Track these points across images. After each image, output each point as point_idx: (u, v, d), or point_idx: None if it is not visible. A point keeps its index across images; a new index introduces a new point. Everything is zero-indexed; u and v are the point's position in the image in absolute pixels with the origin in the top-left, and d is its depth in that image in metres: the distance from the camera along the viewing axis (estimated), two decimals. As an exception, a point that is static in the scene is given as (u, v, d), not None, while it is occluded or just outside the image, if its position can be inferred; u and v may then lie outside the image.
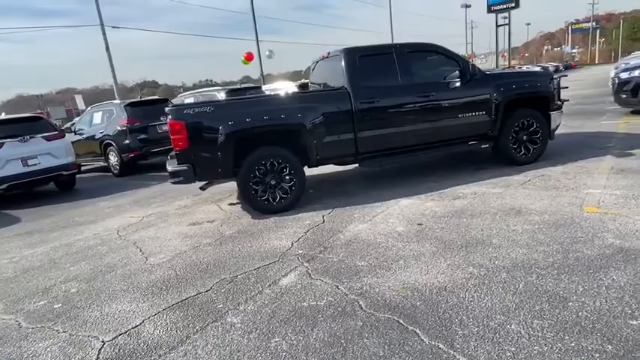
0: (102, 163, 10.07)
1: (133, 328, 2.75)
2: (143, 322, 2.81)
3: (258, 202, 4.89)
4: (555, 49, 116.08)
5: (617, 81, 9.16)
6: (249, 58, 20.68)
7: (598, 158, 5.73)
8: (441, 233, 3.74)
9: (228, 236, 4.36)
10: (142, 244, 4.42)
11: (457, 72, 5.46)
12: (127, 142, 9.01)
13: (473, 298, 2.62)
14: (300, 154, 4.98)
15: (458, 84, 5.44)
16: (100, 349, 2.54)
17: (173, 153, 5.37)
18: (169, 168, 4.79)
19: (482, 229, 3.73)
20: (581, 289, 2.58)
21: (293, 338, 2.42)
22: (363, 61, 5.25)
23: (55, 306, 3.20)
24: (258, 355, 2.31)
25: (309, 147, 4.98)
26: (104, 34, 20.66)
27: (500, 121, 5.64)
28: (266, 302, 2.87)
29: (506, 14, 44.63)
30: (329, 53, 5.77)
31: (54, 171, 7.76)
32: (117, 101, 9.88)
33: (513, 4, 43.85)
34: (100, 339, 2.65)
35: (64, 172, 7.95)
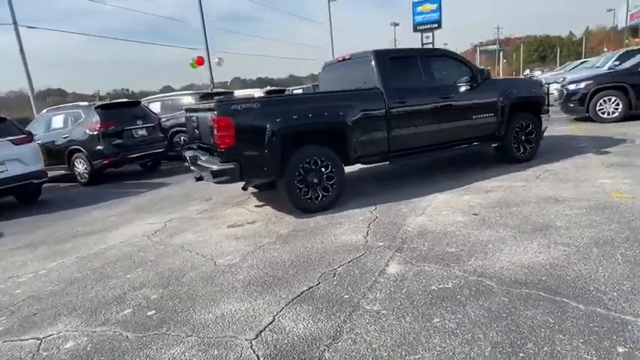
0: (63, 172, 9.11)
1: (269, 324, 2.61)
2: (275, 318, 2.68)
3: (302, 201, 4.83)
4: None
5: (565, 92, 10.38)
6: (199, 62, 20.05)
7: (582, 156, 6.48)
8: (504, 220, 4.01)
9: (287, 235, 4.25)
10: (194, 248, 4.15)
11: (470, 76, 5.88)
12: (99, 147, 8.28)
13: (588, 270, 2.87)
14: (340, 153, 5.01)
15: (471, 87, 5.86)
16: (252, 347, 2.38)
17: (191, 153, 5.15)
18: (214, 167, 4.54)
19: (537, 215, 4.06)
20: (676, 256, 2.95)
21: (453, 317, 2.48)
22: (392, 62, 5.45)
23: (149, 313, 2.91)
24: (430, 334, 2.33)
25: (349, 145, 5.03)
26: (18, 34, 18.52)
27: (506, 123, 6.15)
28: (392, 289, 2.88)
29: (430, 34, 48.28)
30: (351, 55, 5.89)
31: (23, 179, 6.90)
32: (84, 103, 9.03)
33: (436, 26, 47.64)
34: (242, 338, 2.48)
35: (35, 181, 7.11)
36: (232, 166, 4.49)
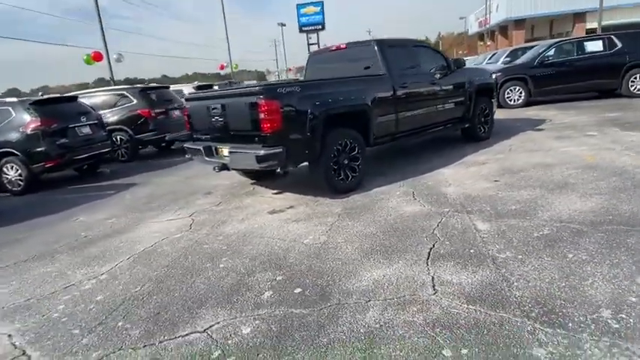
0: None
1: (433, 280, 2.80)
2: (432, 275, 2.87)
3: (335, 182, 4.96)
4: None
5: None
6: (96, 58, 17.97)
7: (525, 133, 7.70)
8: (526, 183, 4.70)
9: (346, 212, 4.38)
10: (260, 234, 4.03)
11: (445, 65, 6.61)
12: (40, 148, 7.11)
13: (634, 207, 3.63)
14: (363, 135, 5.26)
15: (446, 75, 6.58)
16: (439, 300, 2.56)
17: (202, 144, 4.96)
18: (260, 152, 4.40)
19: (547, 177, 4.83)
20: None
21: (579, 252, 2.97)
22: (390, 50, 5.86)
23: (295, 291, 2.86)
24: (579, 265, 2.79)
25: (369, 127, 5.30)
26: None
27: (473, 106, 7.04)
28: (504, 241, 3.27)
29: (314, 35, 50.10)
30: (347, 45, 6.13)
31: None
32: (12, 99, 7.61)
33: (320, 27, 49.69)
34: (422, 294, 2.64)
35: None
36: (280, 150, 4.43)
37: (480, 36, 56.93)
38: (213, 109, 4.96)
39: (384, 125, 5.55)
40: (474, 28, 56.77)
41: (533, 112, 10.29)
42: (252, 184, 6.13)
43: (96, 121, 8.13)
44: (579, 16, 36.75)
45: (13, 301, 3.17)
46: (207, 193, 5.93)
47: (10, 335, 2.69)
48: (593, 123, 7.96)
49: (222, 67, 36.91)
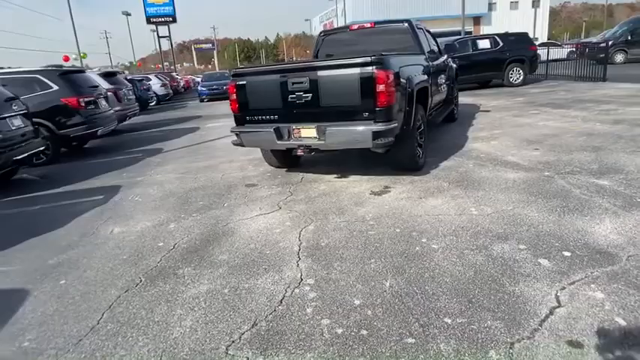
0: None
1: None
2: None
3: (416, 159, 4.89)
4: (187, 64, 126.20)
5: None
6: None
7: (487, 115, 8.79)
8: (566, 148, 5.45)
9: (458, 185, 4.38)
10: (418, 211, 3.74)
11: (437, 48, 7.06)
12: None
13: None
14: (424, 111, 5.30)
15: (439, 57, 7.04)
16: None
17: (270, 127, 4.46)
18: (376, 127, 4.02)
19: (578, 141, 5.69)
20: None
21: None
22: (418, 30, 6.00)
23: (563, 254, 2.84)
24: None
25: (427, 104, 5.37)
26: None
27: (453, 88, 7.70)
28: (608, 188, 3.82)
29: (166, 27, 46.26)
30: (373, 24, 6.03)
31: None
32: None
33: (171, 19, 46.23)
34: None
35: None
36: (395, 124, 4.17)
37: (326, 36, 60.99)
38: (294, 83, 4.32)
39: (432, 103, 5.67)
40: (318, 30, 60.47)
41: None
42: (288, 172, 5.53)
43: (25, 110, 6.12)
44: (411, 23, 42.74)
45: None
46: (249, 185, 5.13)
47: None
48: (521, 105, 9.53)
49: (66, 59, 31.13)
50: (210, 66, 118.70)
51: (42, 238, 3.99)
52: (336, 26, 48.29)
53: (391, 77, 4.03)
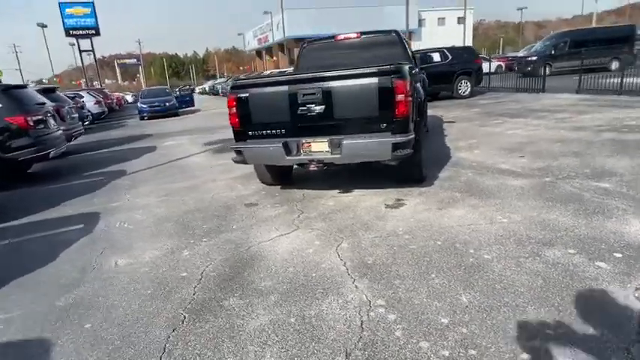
0: None
1: None
2: None
3: (422, 170, 4.90)
4: (109, 80, 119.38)
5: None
6: None
7: (452, 126, 9.12)
8: (546, 155, 5.77)
9: (470, 194, 4.43)
10: (447, 222, 3.70)
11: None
12: None
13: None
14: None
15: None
16: None
17: (279, 141, 4.31)
18: (396, 139, 3.94)
19: (552, 147, 6.05)
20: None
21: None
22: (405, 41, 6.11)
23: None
24: None
25: (423, 114, 5.43)
26: None
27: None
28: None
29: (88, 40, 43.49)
30: (360, 34, 6.02)
31: None
32: None
33: (93, 32, 43.61)
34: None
35: None
36: (413, 135, 4.13)
37: (258, 53, 60.90)
38: (304, 95, 4.13)
39: (425, 111, 5.74)
40: (252, 45, 60.08)
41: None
42: (283, 189, 5.27)
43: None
44: (348, 40, 44.08)
45: None
46: (249, 204, 4.80)
47: None
48: (480, 116, 10.06)
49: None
50: (135, 82, 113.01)
51: (32, 276, 3.39)
52: (271, 41, 48.62)
53: (409, 87, 4.00)
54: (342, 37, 6.12)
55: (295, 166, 4.88)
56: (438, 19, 49.52)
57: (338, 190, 4.94)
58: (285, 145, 4.27)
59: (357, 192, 4.85)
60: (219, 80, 45.76)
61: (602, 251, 2.96)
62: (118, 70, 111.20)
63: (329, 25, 41.17)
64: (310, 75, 4.16)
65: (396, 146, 3.99)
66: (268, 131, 4.38)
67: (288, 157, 4.29)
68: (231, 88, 4.40)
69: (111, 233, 4.30)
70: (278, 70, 27.98)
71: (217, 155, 8.18)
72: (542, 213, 3.74)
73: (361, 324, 2.37)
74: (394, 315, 2.42)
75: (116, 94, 43.56)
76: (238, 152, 4.49)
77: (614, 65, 17.66)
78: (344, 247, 3.42)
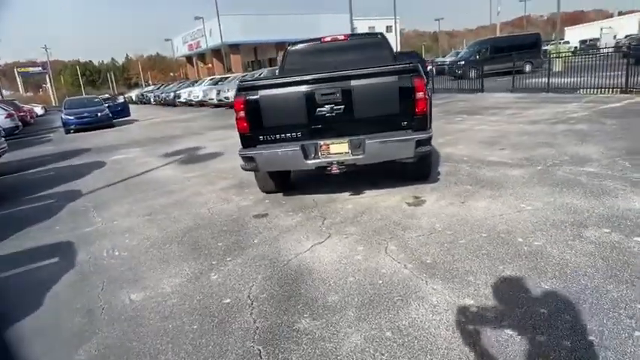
0: None
1: None
2: None
3: (431, 166, 5.00)
4: (7, 91, 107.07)
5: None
6: None
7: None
8: (524, 147, 6.17)
9: (473, 190, 4.58)
10: (480, 215, 3.76)
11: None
12: None
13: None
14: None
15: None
16: None
17: (295, 144, 4.15)
18: (418, 136, 3.95)
19: (524, 140, 6.48)
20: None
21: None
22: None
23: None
24: None
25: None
26: None
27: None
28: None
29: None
30: (348, 36, 5.99)
31: None
32: None
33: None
34: None
35: None
36: (431, 132, 4.18)
37: (189, 59, 58.58)
38: (323, 95, 3.98)
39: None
40: (182, 51, 57.53)
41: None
42: (287, 196, 5.03)
43: None
44: (280, 45, 43.83)
45: None
46: (258, 215, 4.50)
47: None
48: (441, 115, 10.46)
49: None
50: (41, 92, 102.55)
51: (26, 328, 2.82)
52: (204, 47, 46.83)
53: (425, 85, 4.01)
54: (329, 38, 6.02)
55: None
56: (369, 27, 51.23)
57: (349, 193, 4.83)
58: (303, 149, 4.08)
59: (369, 193, 4.77)
60: (149, 88, 43.16)
61: (631, 227, 3.20)
62: (19, 80, 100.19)
63: (265, 32, 40.92)
64: (330, 74, 4.02)
65: (419, 143, 4.00)
66: (282, 135, 4.15)
67: (307, 161, 4.10)
68: (239, 90, 4.11)
69: (101, 264, 3.76)
70: (220, 76, 27.00)
71: (187, 167, 7.64)
72: (558, 198, 3.96)
73: (465, 326, 2.30)
74: (492, 313, 2.38)
75: (27, 106, 39.25)
76: (249, 159, 4.21)
77: (527, 68, 19.51)
78: (392, 249, 3.33)
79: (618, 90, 10.15)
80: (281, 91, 4.06)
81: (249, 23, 40.70)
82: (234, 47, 41.99)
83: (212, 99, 22.84)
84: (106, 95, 41.68)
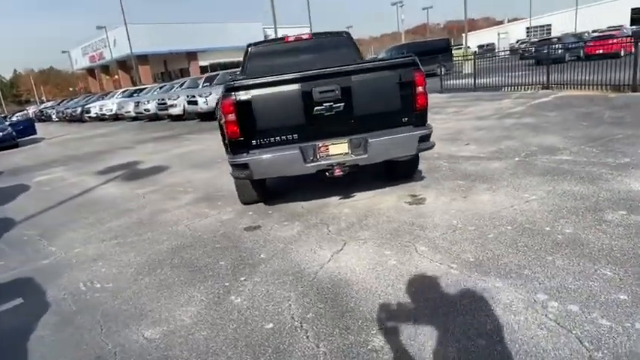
0: None
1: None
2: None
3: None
4: None
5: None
6: None
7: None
8: (486, 139, 6.39)
9: (467, 185, 4.58)
10: (487, 209, 3.70)
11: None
12: None
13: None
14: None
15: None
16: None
17: (297, 146, 3.78)
18: (420, 132, 3.79)
19: (475, 132, 6.73)
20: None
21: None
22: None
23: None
24: None
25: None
26: None
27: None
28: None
29: None
30: (312, 35, 5.72)
31: None
32: None
33: None
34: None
35: None
36: (431, 127, 4.05)
37: (91, 71, 54.03)
38: (321, 92, 3.66)
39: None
40: (82, 63, 52.79)
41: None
42: (271, 205, 4.61)
43: None
44: (192, 55, 42.04)
45: None
46: (250, 228, 4.02)
47: None
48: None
49: None
50: None
51: None
52: (108, 58, 43.28)
53: (424, 78, 3.88)
54: (292, 38, 5.69)
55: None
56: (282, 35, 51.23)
57: (338, 197, 4.53)
58: (302, 151, 3.71)
59: (360, 196, 4.52)
60: (48, 104, 39.65)
61: (641, 206, 3.33)
62: None
63: (174, 42, 38.91)
64: (326, 70, 3.70)
65: (421, 139, 3.84)
66: (278, 137, 3.74)
67: (306, 165, 3.73)
68: (227, 90, 3.61)
69: (84, 300, 3.06)
70: (135, 88, 25.01)
71: (134, 183, 6.75)
72: (556, 186, 4.05)
73: (557, 324, 2.13)
74: (576, 306, 2.25)
75: None
76: (242, 166, 3.72)
77: (439, 70, 20.86)
78: (423, 249, 3.11)
79: (540, 87, 11.11)
80: (276, 90, 3.65)
81: (157, 33, 38.50)
82: (143, 58, 39.36)
83: (129, 112, 21.20)
84: (25, 110, 37.26)
